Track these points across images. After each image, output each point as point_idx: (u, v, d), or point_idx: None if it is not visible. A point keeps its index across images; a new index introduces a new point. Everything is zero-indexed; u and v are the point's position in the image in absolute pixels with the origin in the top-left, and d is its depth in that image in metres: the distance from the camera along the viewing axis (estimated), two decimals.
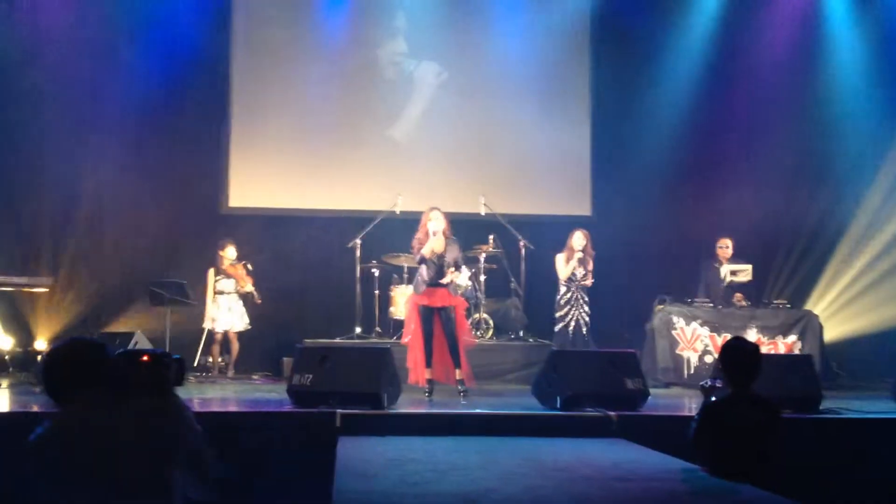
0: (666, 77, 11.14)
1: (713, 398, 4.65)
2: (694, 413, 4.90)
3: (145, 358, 3.32)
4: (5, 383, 8.20)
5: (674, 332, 9.27)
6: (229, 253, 9.51)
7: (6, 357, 9.27)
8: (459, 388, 7.73)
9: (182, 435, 3.13)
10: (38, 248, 10.02)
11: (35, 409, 6.76)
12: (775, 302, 9.68)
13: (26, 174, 10.19)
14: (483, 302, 9.94)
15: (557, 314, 9.11)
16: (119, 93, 10.31)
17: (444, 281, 7.80)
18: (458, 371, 7.77)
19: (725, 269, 9.64)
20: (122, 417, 3.05)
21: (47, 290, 9.54)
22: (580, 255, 9.02)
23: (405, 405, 6.89)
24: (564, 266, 9.10)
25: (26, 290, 9.29)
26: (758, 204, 10.82)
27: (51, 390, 3.14)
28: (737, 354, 4.65)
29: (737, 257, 9.73)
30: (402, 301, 9.33)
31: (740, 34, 11.19)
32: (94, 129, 10.28)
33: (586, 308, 9.08)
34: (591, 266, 9.10)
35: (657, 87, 11.08)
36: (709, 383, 4.86)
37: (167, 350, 3.66)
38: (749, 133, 11.10)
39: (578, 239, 9.11)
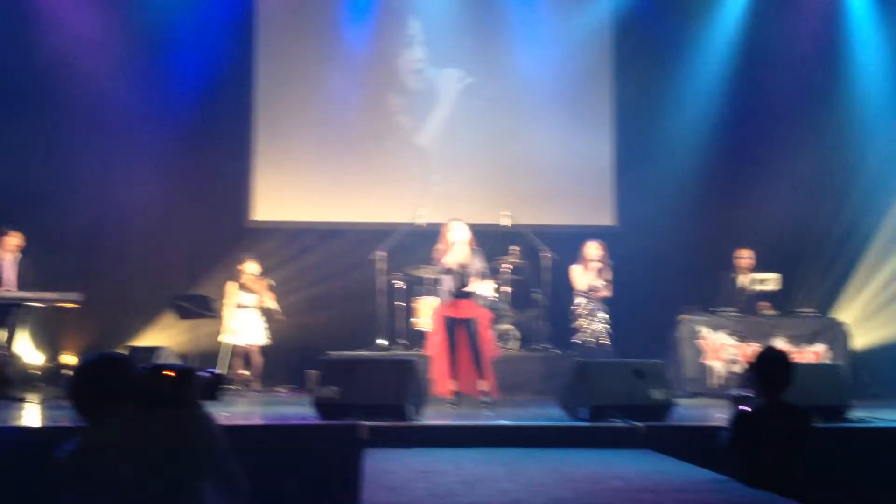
0: (690, 84, 11.11)
1: (745, 407, 4.62)
2: (722, 423, 4.86)
3: (171, 373, 3.33)
4: (35, 398, 8.26)
5: (699, 342, 9.22)
6: (250, 268, 9.54)
7: (36, 372, 9.35)
8: (484, 399, 7.71)
9: (210, 448, 3.13)
10: (67, 263, 10.11)
11: (64, 423, 6.82)
12: (802, 310, 9.59)
13: (55, 189, 10.30)
14: (507, 313, 9.93)
15: (575, 325, 9.08)
16: (145, 108, 10.47)
17: (468, 290, 7.80)
18: (482, 382, 7.76)
19: (747, 279, 9.57)
20: (149, 432, 3.06)
21: (76, 305, 9.60)
22: (598, 265, 8.99)
23: (430, 417, 6.87)
24: (581, 277, 9.07)
25: (55, 305, 9.35)
26: (785, 210, 10.74)
27: (79, 406, 3.14)
28: (769, 363, 4.63)
29: (760, 267, 9.65)
30: (426, 312, 9.34)
31: (764, 39, 11.13)
32: (120, 145, 10.42)
33: (605, 318, 9.05)
34: (608, 276, 9.07)
35: (681, 94, 11.05)
36: (739, 393, 4.83)
37: (198, 364, 3.67)
38: (775, 139, 11.00)
39: (592, 249, 9.08)
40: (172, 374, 3.34)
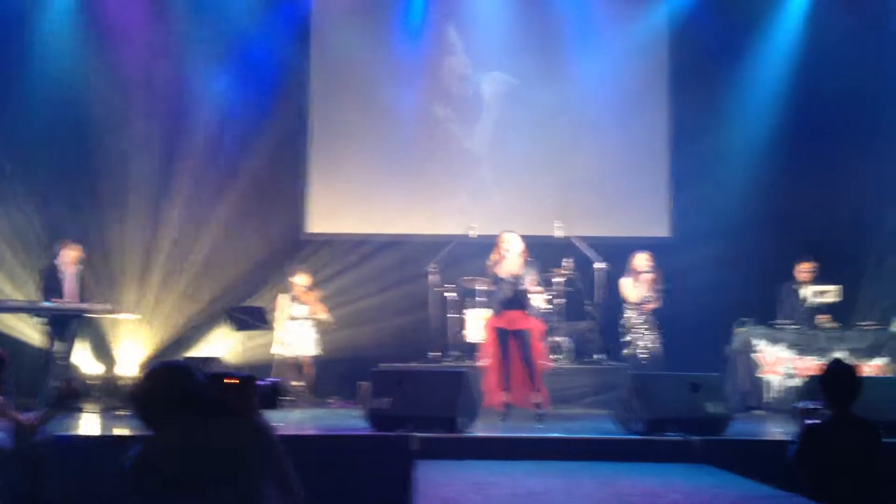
0: (747, 93, 10.96)
1: (813, 420, 4.55)
2: (781, 437, 4.77)
3: (233, 381, 3.36)
4: (93, 409, 8.39)
5: (754, 355, 9.06)
6: (301, 280, 9.59)
7: (95, 383, 9.51)
8: (536, 411, 7.66)
9: (270, 455, 3.15)
10: (124, 275, 10.30)
11: (121, 433, 6.93)
12: (863, 323, 9.36)
13: (113, 201, 10.50)
14: (560, 325, 9.86)
15: (625, 339, 8.99)
16: (201, 122, 10.62)
17: (524, 287, 7.74)
18: (535, 394, 7.72)
19: (808, 291, 9.39)
20: (211, 439, 3.08)
21: (133, 317, 9.77)
22: (648, 276, 8.90)
23: (482, 429, 6.84)
24: (630, 290, 8.98)
25: (112, 317, 9.52)
26: (845, 221, 10.51)
27: (143, 414, 3.17)
28: (837, 376, 4.56)
29: (821, 279, 9.46)
30: (477, 324, 9.31)
31: (824, 46, 10.84)
32: (176, 158, 10.57)
33: (656, 331, 8.94)
34: (659, 287, 8.97)
35: (739, 104, 10.90)
36: (806, 405, 4.76)
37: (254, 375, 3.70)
38: (835, 148, 10.72)
39: (641, 261, 8.99)
40: (236, 381, 3.37)
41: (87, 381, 9.40)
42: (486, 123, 11.32)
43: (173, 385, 3.16)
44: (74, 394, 4.82)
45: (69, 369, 8.75)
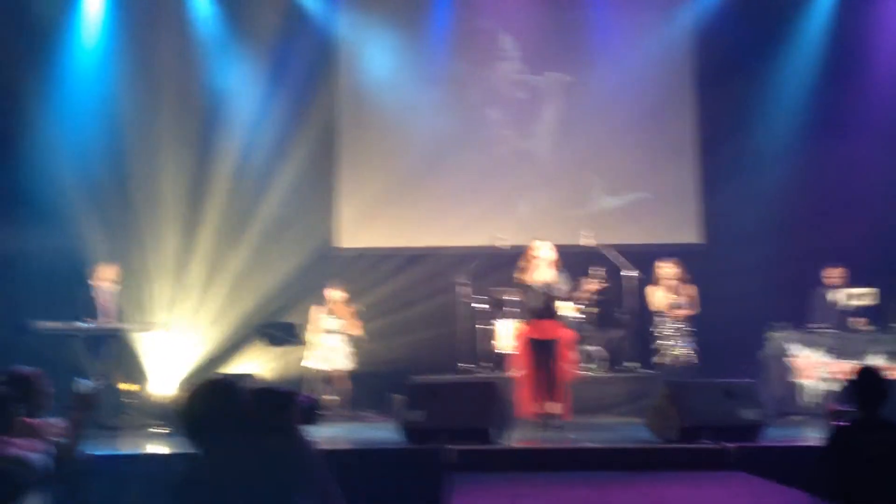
0: (776, 95, 10.86)
1: (841, 422, 4.56)
2: (816, 442, 4.76)
3: (279, 396, 3.38)
4: (129, 427, 8.47)
5: (788, 360, 8.99)
6: (335, 294, 9.63)
7: (128, 401, 9.60)
8: (552, 422, 7.63)
9: (312, 471, 3.17)
10: (158, 292, 10.41)
11: (156, 450, 7.00)
12: None
13: (146, 220, 10.63)
14: (592, 333, 9.83)
15: (656, 345, 8.94)
16: (231, 138, 10.76)
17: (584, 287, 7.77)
18: (552, 405, 7.68)
19: (842, 294, 9.30)
20: (256, 456, 3.10)
21: (167, 334, 9.86)
22: (673, 283, 8.86)
23: (515, 440, 6.83)
24: (657, 297, 8.95)
25: (147, 334, 9.61)
26: (879, 222, 10.36)
27: (189, 432, 3.16)
28: (867, 379, 4.57)
29: (854, 282, 9.35)
30: (507, 334, 9.31)
31: (851, 46, 10.78)
32: (207, 176, 10.69)
33: (688, 338, 8.89)
34: (690, 293, 8.92)
35: (767, 106, 10.81)
36: (838, 408, 4.76)
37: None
38: (866, 149, 10.56)
39: (665, 269, 8.95)
40: (279, 397, 3.39)
41: (123, 400, 9.51)
42: (513, 132, 11.32)
43: (218, 402, 3.17)
44: (88, 405, 4.83)
45: (105, 388, 8.82)
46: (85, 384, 4.92)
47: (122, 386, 9.62)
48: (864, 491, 4.21)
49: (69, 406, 4.91)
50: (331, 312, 9.58)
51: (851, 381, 4.61)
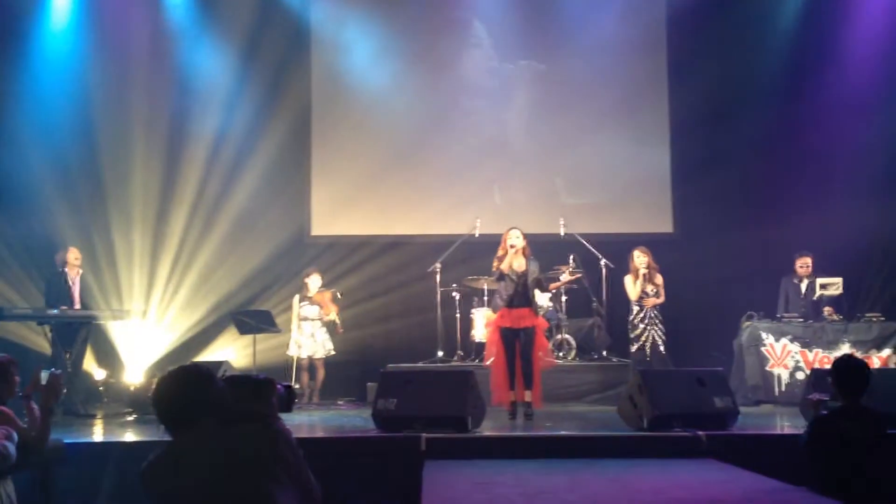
0: (748, 88, 10.92)
1: (823, 411, 4.66)
2: (788, 430, 4.83)
3: (255, 384, 3.37)
4: (100, 414, 8.42)
5: (763, 349, 9.07)
6: (314, 281, 9.62)
7: (100, 388, 9.55)
8: (525, 410, 7.66)
9: (289, 459, 3.15)
10: (130, 279, 10.34)
11: (129, 438, 6.96)
12: (868, 315, 9.34)
13: (117, 207, 10.55)
14: (565, 322, 9.87)
15: (632, 335, 9.00)
16: (204, 125, 10.66)
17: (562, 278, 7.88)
18: (526, 392, 7.71)
19: (809, 284, 9.40)
20: (231, 444, 3.08)
21: (140, 322, 9.80)
22: (645, 272, 8.91)
23: (489, 428, 6.85)
24: (633, 286, 8.99)
25: (119, 322, 9.55)
26: (848, 213, 10.43)
27: (164, 419, 3.14)
28: (847, 368, 4.68)
29: (820, 272, 9.45)
30: (483, 323, 9.32)
31: (823, 39, 10.86)
32: (179, 162, 10.61)
33: (661, 326, 8.95)
34: (659, 282, 8.98)
35: (739, 98, 10.86)
36: (816, 397, 4.87)
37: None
38: (838, 140, 10.64)
39: (638, 258, 9.00)
40: (255, 385, 3.38)
41: (94, 387, 9.46)
42: (487, 121, 11.32)
43: (194, 389, 3.14)
44: (51, 393, 4.81)
45: (76, 376, 8.77)
46: (46, 373, 4.90)
47: (93, 373, 9.60)
48: (848, 476, 4.29)
49: (34, 394, 4.88)
50: (307, 300, 9.55)
51: (832, 370, 4.72)
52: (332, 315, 9.57)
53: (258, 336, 9.47)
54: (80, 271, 9.16)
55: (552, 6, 11.32)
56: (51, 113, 10.24)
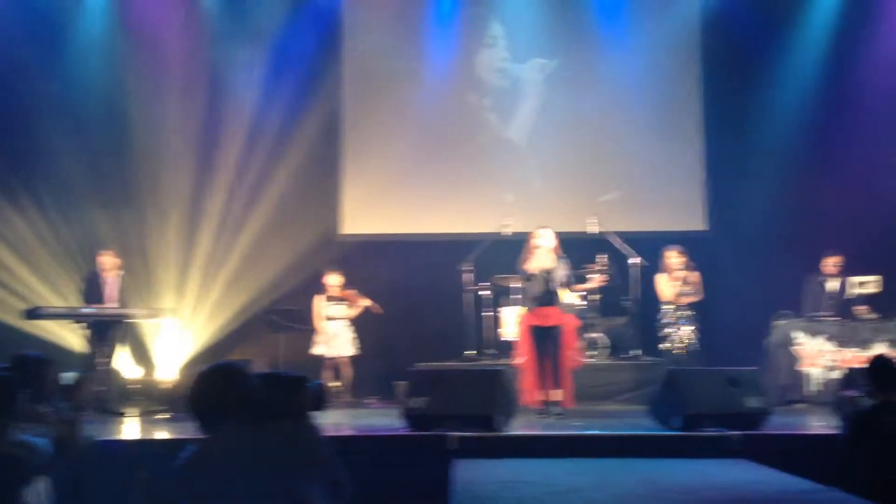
0: (782, 85, 10.82)
1: (858, 408, 4.69)
2: (820, 430, 4.81)
3: (288, 382, 3.38)
4: (134, 413, 8.50)
5: (794, 348, 8.97)
6: (333, 280, 9.61)
7: (134, 386, 9.63)
8: (554, 409, 7.63)
9: (320, 457, 3.16)
10: (163, 279, 10.44)
11: (161, 436, 7.03)
12: None
13: (150, 206, 10.67)
14: (596, 321, 9.83)
15: (664, 333, 8.93)
16: (235, 125, 10.74)
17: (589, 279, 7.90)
18: (555, 392, 7.68)
19: (846, 282, 9.27)
20: (264, 441, 3.09)
21: (172, 320, 9.88)
22: (681, 272, 8.84)
23: (519, 427, 6.84)
24: (665, 285, 8.92)
25: (152, 321, 9.63)
26: (884, 211, 10.32)
27: (198, 417, 3.16)
28: (882, 366, 4.72)
29: (859, 270, 9.32)
30: (513, 322, 9.31)
31: (857, 38, 10.73)
32: (211, 162, 10.70)
33: (694, 325, 8.87)
34: (694, 280, 8.90)
35: (772, 95, 10.77)
36: (852, 394, 4.89)
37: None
38: (871, 138, 10.52)
39: (672, 257, 8.93)
40: (288, 383, 3.39)
41: (128, 386, 9.55)
42: (522, 119, 11.31)
43: (228, 386, 3.16)
44: (76, 394, 4.86)
45: (110, 374, 8.86)
46: (68, 376, 4.95)
47: (128, 371, 9.70)
48: (887, 471, 4.26)
49: (63, 396, 4.94)
50: (331, 299, 9.57)
51: (868, 368, 4.76)
52: (364, 303, 9.56)
53: (285, 336, 9.49)
54: (121, 273, 9.20)
55: (589, 5, 11.30)
56: (86, 114, 10.37)
